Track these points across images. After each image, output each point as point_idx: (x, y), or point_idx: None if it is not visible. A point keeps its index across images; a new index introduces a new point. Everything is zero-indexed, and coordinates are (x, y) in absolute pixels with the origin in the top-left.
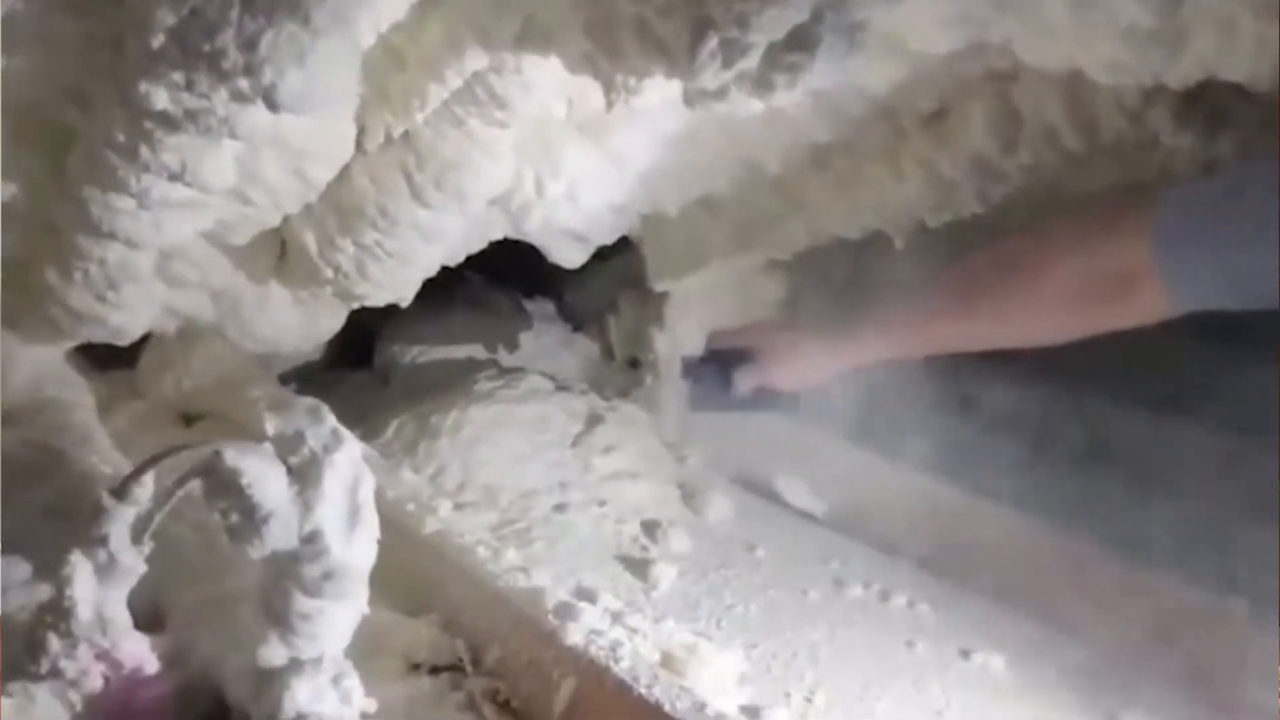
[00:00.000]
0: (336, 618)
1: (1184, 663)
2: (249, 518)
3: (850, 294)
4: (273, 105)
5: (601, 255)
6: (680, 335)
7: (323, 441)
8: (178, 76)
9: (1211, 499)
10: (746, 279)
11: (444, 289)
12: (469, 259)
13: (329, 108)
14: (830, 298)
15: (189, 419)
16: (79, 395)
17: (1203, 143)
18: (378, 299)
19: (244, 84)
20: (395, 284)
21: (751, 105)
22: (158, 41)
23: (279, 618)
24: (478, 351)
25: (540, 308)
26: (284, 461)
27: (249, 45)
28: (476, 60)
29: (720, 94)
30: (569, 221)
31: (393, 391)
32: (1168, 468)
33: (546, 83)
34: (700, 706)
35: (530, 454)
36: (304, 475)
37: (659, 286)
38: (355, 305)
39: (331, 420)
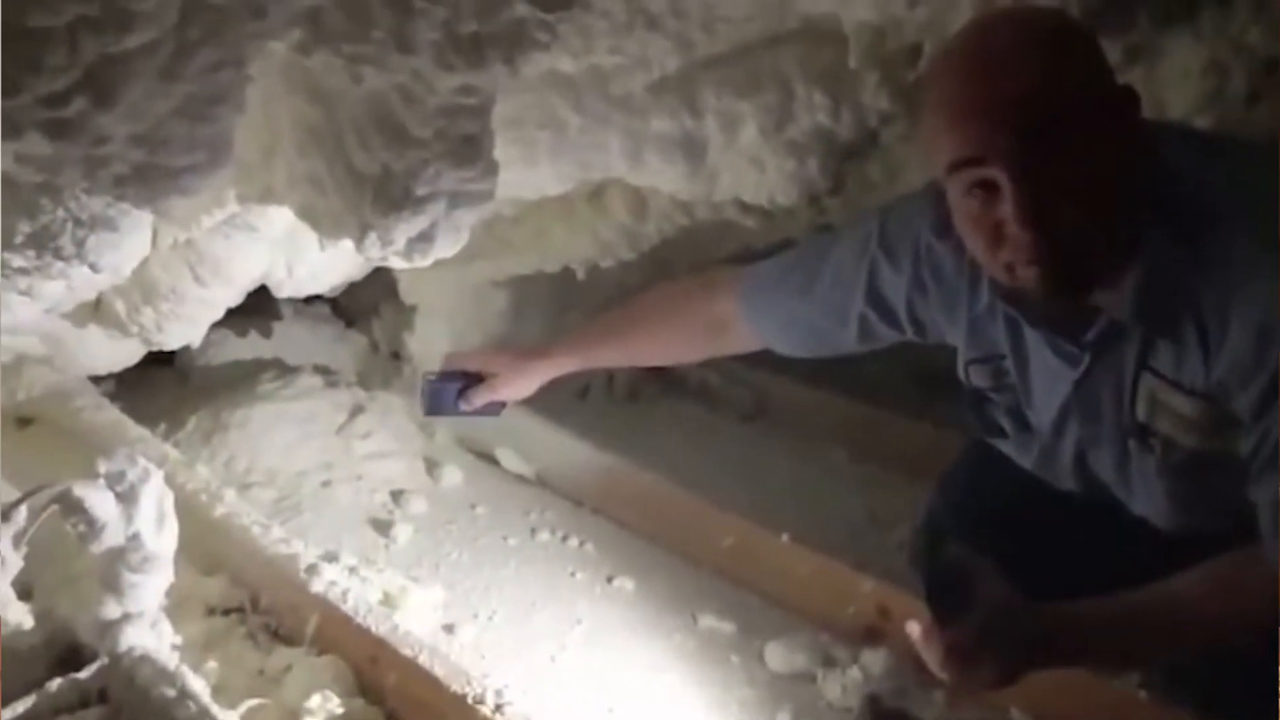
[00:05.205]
0: (152, 586)
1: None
2: (91, 527)
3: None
4: (95, 270)
5: None
6: (429, 336)
7: (138, 475)
8: (30, 254)
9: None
10: (480, 293)
11: None
12: None
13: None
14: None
15: (22, 422)
16: None
17: (765, 226)
18: (173, 344)
19: (75, 262)
20: (185, 334)
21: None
22: (19, 238)
23: (114, 587)
24: (264, 350)
25: (318, 309)
26: (113, 490)
27: (79, 244)
28: (233, 206)
29: (383, 260)
30: (314, 288)
31: (191, 388)
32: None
33: (285, 213)
34: (395, 627)
35: (302, 441)
36: (126, 498)
37: (408, 300)
38: (155, 348)
39: (143, 461)
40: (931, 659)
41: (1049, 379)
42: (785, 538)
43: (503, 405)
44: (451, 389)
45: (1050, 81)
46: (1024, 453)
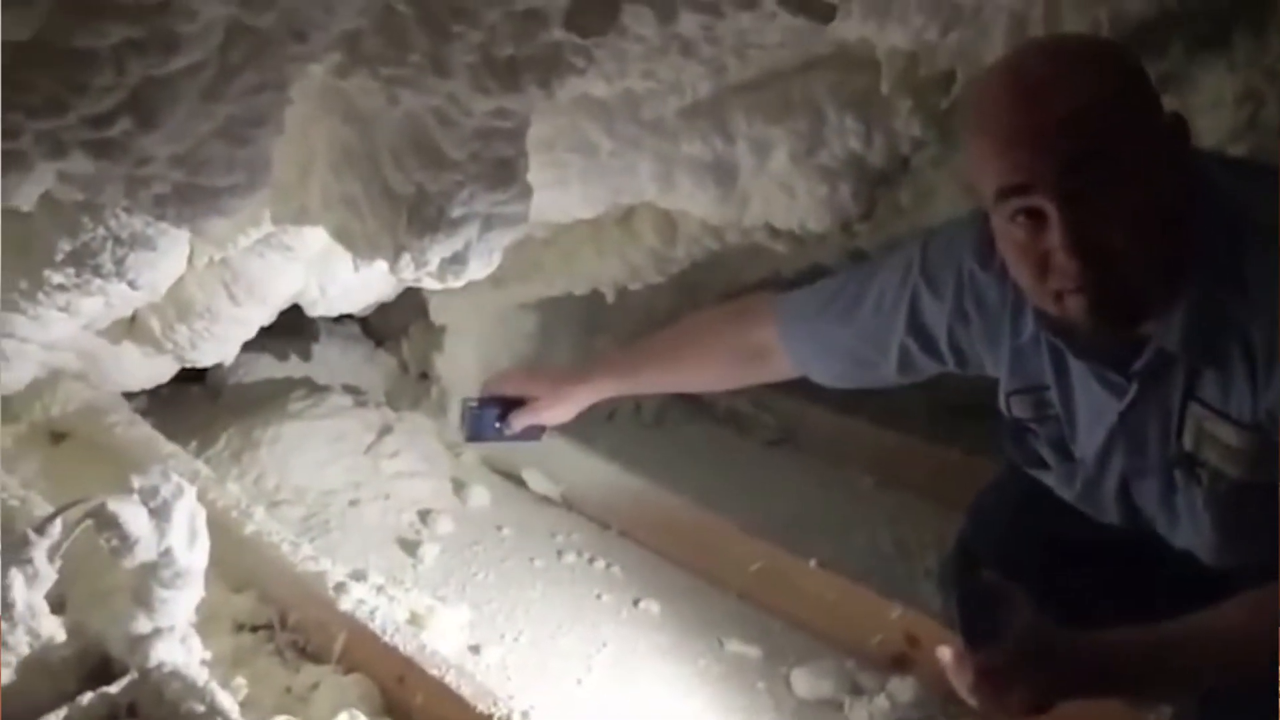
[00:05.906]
0: (182, 601)
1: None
2: (124, 542)
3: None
4: (133, 288)
5: None
6: (457, 357)
7: (171, 491)
8: (70, 271)
9: None
10: (508, 314)
11: None
12: None
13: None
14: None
15: (56, 437)
16: None
17: (794, 251)
18: (207, 362)
19: (114, 279)
20: (218, 352)
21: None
22: (60, 256)
23: (145, 602)
24: (294, 369)
25: (348, 329)
26: (146, 505)
27: (118, 262)
28: (268, 226)
29: (417, 281)
30: (347, 307)
31: (222, 406)
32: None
33: (319, 233)
34: (421, 646)
35: (331, 460)
36: (159, 514)
37: (438, 321)
38: (188, 365)
39: (176, 477)
40: (962, 684)
41: (1094, 410)
42: (812, 563)
43: (543, 430)
44: (491, 414)
45: (1098, 108)
46: (1066, 484)
